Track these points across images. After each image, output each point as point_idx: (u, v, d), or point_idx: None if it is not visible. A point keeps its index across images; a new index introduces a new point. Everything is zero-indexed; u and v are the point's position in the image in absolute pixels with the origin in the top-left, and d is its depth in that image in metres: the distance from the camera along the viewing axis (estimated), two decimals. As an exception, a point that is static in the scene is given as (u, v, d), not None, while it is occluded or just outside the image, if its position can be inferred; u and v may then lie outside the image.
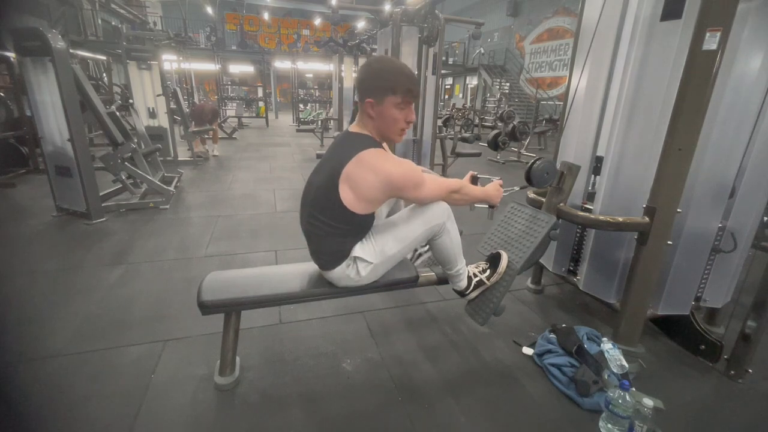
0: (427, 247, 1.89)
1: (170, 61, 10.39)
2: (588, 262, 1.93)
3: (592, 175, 1.95)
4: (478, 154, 5.79)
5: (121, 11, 14.38)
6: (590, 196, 1.99)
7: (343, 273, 1.40)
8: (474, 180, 1.61)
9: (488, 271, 1.64)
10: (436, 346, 1.77)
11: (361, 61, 8.37)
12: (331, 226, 1.31)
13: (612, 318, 1.90)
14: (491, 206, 1.61)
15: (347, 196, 1.25)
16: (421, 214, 1.41)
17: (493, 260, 1.68)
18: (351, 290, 1.48)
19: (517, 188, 1.85)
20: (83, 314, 1.91)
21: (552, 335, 1.69)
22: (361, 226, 1.37)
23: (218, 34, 14.56)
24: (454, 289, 1.67)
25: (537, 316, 2.05)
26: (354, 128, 1.36)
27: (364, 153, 1.24)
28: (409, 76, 1.27)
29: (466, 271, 1.61)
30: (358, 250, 1.38)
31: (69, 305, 1.99)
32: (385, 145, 1.41)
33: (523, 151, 7.41)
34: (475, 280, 1.62)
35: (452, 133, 6.02)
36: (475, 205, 1.58)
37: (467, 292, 1.63)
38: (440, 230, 1.44)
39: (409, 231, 1.40)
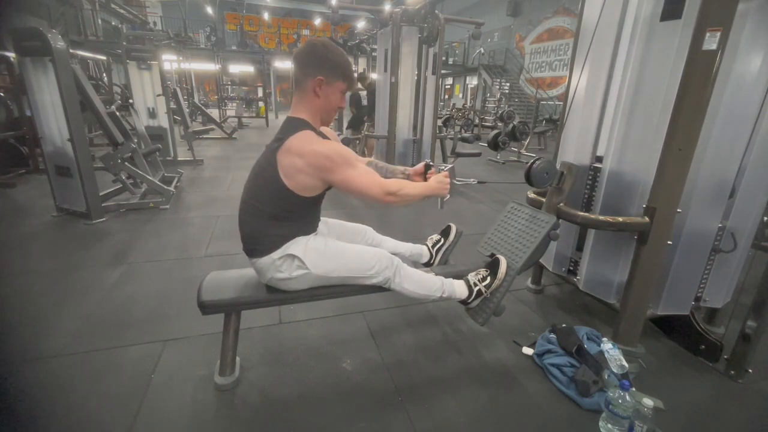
0: (441, 238, 1.90)
1: (170, 61, 10.38)
2: (588, 262, 1.93)
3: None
4: (478, 154, 5.78)
5: (121, 11, 14.39)
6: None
7: (271, 262, 1.35)
8: (427, 168, 1.58)
9: (488, 279, 1.64)
10: (436, 346, 1.77)
11: (362, 61, 8.35)
12: (270, 207, 1.32)
13: (612, 318, 1.90)
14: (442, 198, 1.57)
15: (287, 180, 1.26)
16: (375, 260, 1.44)
17: (492, 266, 1.67)
18: (348, 290, 1.48)
19: (474, 181, 1.82)
20: (83, 314, 1.91)
21: (552, 335, 1.70)
22: (300, 210, 1.35)
23: (218, 34, 14.56)
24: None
25: (537, 316, 2.05)
26: (291, 113, 1.35)
27: (290, 140, 1.25)
28: (353, 71, 1.37)
29: (449, 284, 1.59)
30: (300, 250, 1.35)
31: (69, 305, 1.99)
32: (325, 129, 1.48)
33: (523, 151, 7.41)
34: (475, 289, 1.61)
35: (452, 133, 6.02)
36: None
37: (469, 302, 1.64)
38: (387, 281, 1.46)
39: (358, 266, 1.43)
